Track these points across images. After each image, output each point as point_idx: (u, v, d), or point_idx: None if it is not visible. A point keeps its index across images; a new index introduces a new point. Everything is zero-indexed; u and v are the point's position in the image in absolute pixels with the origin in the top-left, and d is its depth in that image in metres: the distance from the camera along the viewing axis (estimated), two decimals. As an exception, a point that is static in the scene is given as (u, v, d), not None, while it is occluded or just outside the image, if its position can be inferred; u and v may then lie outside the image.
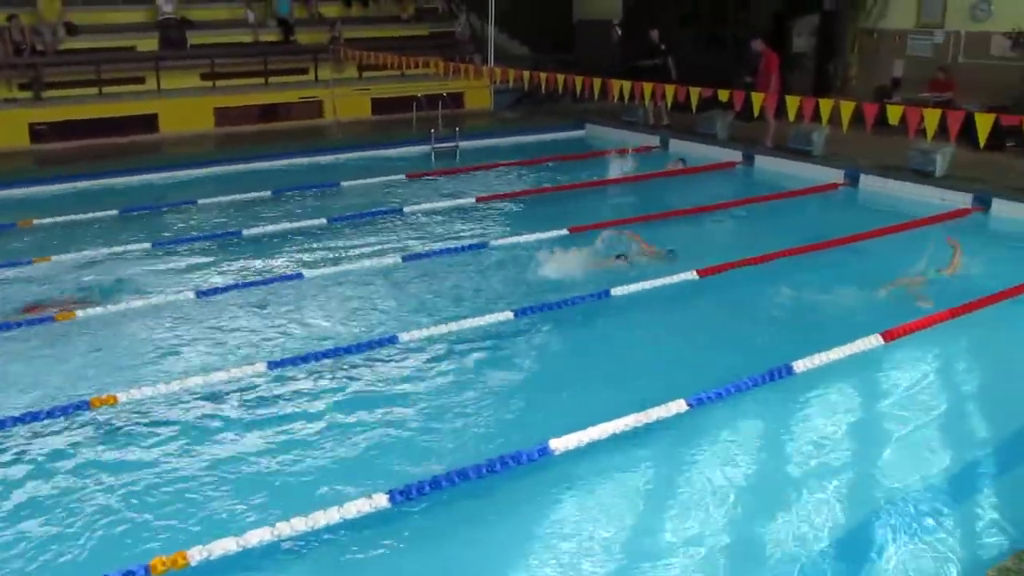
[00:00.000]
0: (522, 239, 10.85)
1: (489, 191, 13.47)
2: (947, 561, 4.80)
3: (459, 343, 7.56)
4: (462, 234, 11.19)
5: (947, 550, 4.90)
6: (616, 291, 8.69)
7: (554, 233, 11.05)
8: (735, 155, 15.94)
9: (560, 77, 15.54)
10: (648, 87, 14.30)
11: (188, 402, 6.59)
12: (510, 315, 8.14)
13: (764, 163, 15.59)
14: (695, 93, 13.86)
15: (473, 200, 12.80)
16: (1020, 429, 6.26)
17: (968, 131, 11.13)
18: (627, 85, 14.51)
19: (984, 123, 10.93)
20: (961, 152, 13.70)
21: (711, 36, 20.57)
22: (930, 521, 5.18)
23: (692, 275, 9.13)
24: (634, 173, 14.50)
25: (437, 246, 10.55)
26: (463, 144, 16.56)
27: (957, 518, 5.24)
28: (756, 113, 13.24)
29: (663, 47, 18.34)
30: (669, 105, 16.21)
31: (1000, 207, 12.52)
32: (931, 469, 5.75)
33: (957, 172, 13.80)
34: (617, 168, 14.67)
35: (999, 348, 7.87)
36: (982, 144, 11.06)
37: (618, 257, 9.81)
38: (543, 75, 15.65)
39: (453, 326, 7.78)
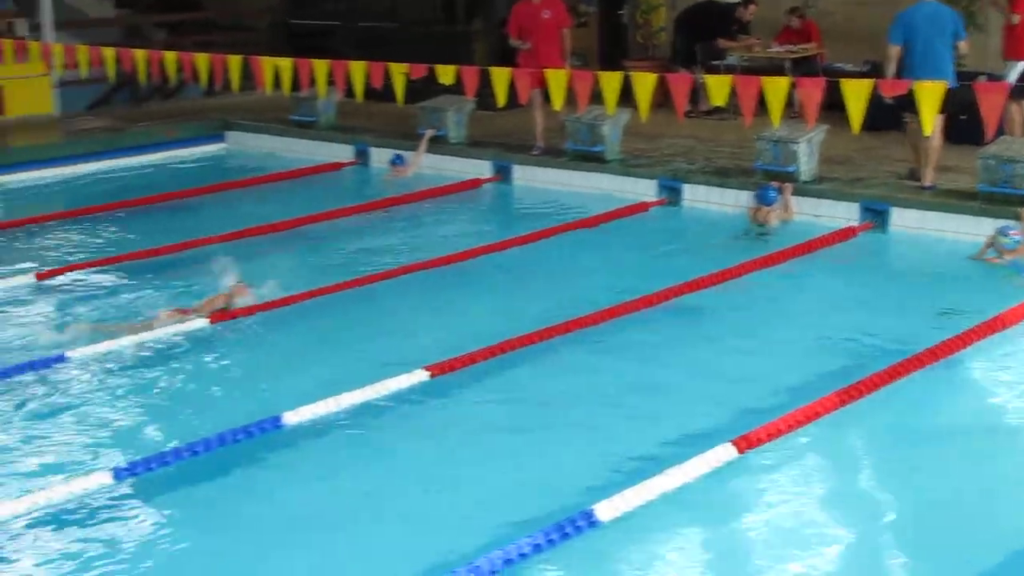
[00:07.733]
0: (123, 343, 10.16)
1: (58, 261, 13.02)
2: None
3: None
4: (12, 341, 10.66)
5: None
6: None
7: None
8: (482, 167, 15.95)
9: (171, 55, 15.53)
10: (321, 66, 14.13)
11: None
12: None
13: (526, 174, 15.62)
14: (398, 73, 13.86)
15: (31, 278, 12.31)
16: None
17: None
18: (287, 65, 14.31)
19: (856, 95, 11.26)
20: (838, 135, 13.83)
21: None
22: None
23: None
24: (330, 207, 14.45)
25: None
26: (4, 179, 16.57)
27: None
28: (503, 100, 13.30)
29: None
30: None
31: (902, 218, 12.69)
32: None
33: (831, 172, 14.06)
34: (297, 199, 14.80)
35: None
36: (857, 128, 11.41)
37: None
38: (141, 53, 15.58)
39: None
